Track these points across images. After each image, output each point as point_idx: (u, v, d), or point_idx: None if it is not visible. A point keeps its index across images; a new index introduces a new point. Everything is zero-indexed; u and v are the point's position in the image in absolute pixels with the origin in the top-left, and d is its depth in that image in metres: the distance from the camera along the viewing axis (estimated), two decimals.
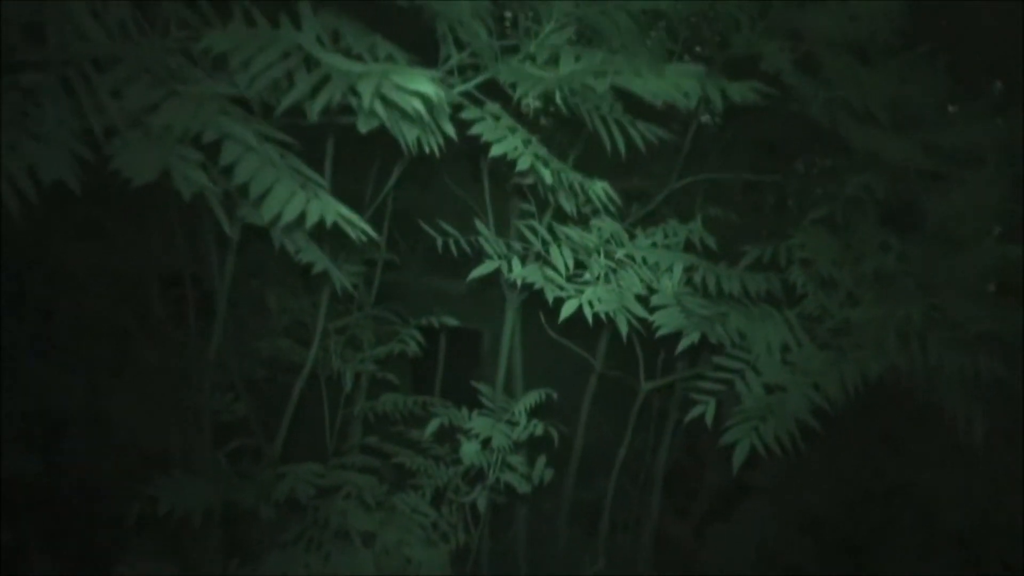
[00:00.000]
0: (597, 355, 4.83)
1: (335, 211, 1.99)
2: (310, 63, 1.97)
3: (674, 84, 2.66)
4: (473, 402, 4.05)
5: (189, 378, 4.42)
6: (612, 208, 3.01)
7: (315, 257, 2.63)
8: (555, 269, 3.44)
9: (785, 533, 5.87)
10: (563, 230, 3.47)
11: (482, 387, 4.11)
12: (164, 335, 4.58)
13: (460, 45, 2.81)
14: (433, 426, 3.70)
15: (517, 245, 3.64)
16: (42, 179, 1.99)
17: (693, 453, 6.09)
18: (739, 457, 3.26)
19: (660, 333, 3.26)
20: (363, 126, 2.26)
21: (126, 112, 1.94)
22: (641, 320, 3.41)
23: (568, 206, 3.48)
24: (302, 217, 2.09)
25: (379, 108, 1.92)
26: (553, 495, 4.74)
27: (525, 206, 3.73)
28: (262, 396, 4.35)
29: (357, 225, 2.04)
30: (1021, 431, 4.12)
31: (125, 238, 4.55)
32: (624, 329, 3.25)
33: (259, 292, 4.33)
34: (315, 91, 1.95)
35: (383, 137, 3.83)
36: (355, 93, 1.92)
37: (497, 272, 3.53)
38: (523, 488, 3.60)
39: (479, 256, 3.75)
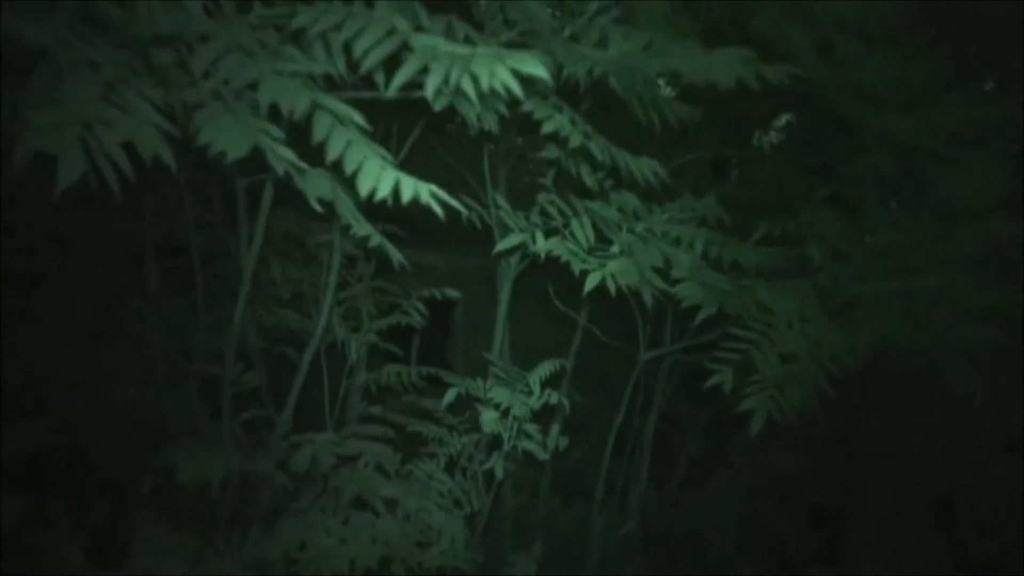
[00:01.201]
0: (580, 326, 4.96)
1: (427, 189, 2.08)
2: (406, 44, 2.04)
3: (722, 66, 2.78)
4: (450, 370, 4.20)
5: (193, 348, 4.44)
6: (657, 185, 3.13)
7: (368, 231, 2.70)
8: (577, 242, 3.55)
9: (761, 500, 6.09)
10: (585, 204, 3.58)
11: (492, 358, 4.22)
12: (164, 305, 4.60)
13: (509, 23, 2.89)
14: (450, 396, 3.80)
15: (537, 218, 3.74)
16: (142, 155, 2.03)
17: (673, 421, 6.28)
18: (756, 424, 3.43)
19: (684, 305, 3.40)
20: (439, 104, 2.34)
21: (230, 87, 1.99)
22: (636, 292, 3.55)
23: (590, 181, 3.59)
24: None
25: (470, 88, 2.00)
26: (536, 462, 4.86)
27: (543, 180, 3.82)
28: (265, 366, 4.40)
29: (446, 202, 2.13)
30: (1008, 396, 4.35)
31: (128, 208, 4.55)
32: (649, 301, 3.38)
33: (265, 263, 4.37)
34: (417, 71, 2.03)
35: (386, 111, 3.91)
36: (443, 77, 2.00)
37: (476, 243, 3.60)
38: (541, 456, 3.73)
39: (464, 228, 3.84)
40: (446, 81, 1.99)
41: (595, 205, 3.53)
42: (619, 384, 5.26)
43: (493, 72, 1.88)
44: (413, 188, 2.08)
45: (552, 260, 3.62)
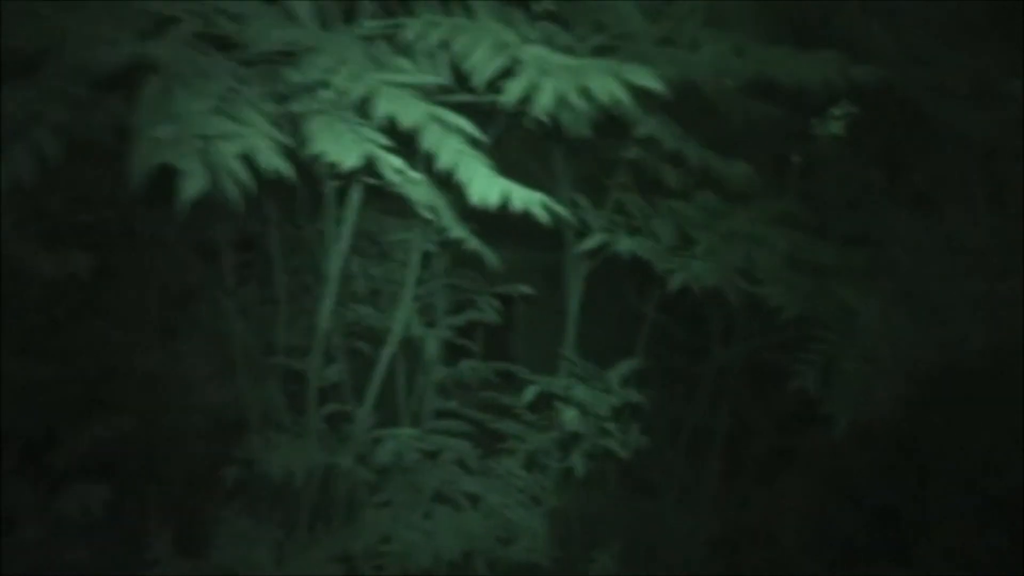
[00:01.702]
0: (646, 323, 4.96)
1: (538, 199, 2.13)
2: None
3: (811, 69, 2.80)
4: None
5: (273, 343, 4.52)
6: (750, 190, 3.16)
7: (464, 234, 2.76)
8: (659, 242, 3.59)
9: (829, 498, 6.05)
10: (667, 204, 3.61)
11: (566, 354, 4.27)
12: (241, 299, 4.69)
13: (599, 27, 2.91)
14: (531, 393, 3.86)
15: (614, 216, 3.77)
16: (259, 167, 2.10)
17: (740, 418, 6.26)
18: (839, 427, 3.45)
19: (770, 306, 3.42)
20: (539, 112, 2.37)
21: (345, 99, 2.06)
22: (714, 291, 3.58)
23: (672, 180, 3.61)
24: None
25: (580, 101, 2.05)
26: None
27: (620, 179, 3.85)
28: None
29: (555, 211, 2.18)
30: None
31: (201, 203, 4.63)
32: (733, 301, 3.41)
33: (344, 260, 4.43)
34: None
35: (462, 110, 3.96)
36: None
37: (534, 238, 3.62)
38: (622, 454, 3.78)
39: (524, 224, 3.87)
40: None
41: (678, 204, 3.55)
42: (683, 381, 5.29)
43: (606, 86, 1.92)
44: (524, 198, 2.13)
45: (617, 256, 3.67)
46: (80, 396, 4.94)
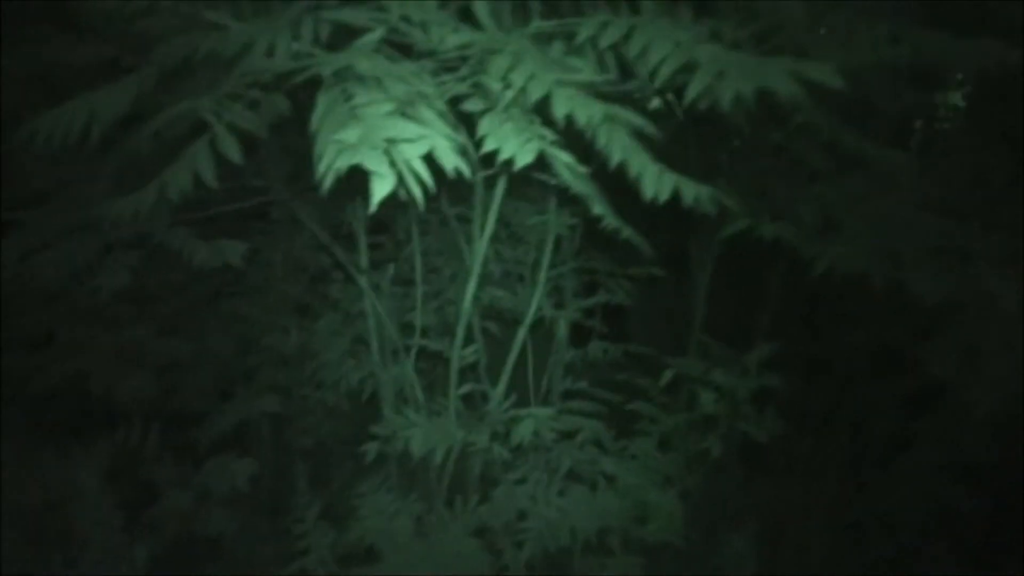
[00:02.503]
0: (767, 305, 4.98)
1: (708, 193, 2.21)
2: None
3: (967, 55, 2.81)
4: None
5: (404, 322, 4.68)
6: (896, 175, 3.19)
7: (618, 224, 2.85)
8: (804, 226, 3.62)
9: (950, 485, 5.99)
10: (812, 188, 3.64)
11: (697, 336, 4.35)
12: (375, 281, 4.85)
13: (752, 15, 2.95)
14: (667, 376, 3.95)
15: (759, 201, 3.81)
16: (442, 167, 2.21)
17: (865, 404, 6.23)
18: (979, 413, 3.46)
19: (914, 291, 3.44)
20: (701, 105, 2.44)
21: (526, 99, 2.16)
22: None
23: (817, 163, 3.65)
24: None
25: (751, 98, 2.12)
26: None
27: (764, 162, 3.90)
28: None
29: (719, 201, 2.26)
30: None
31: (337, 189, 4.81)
32: (880, 286, 3.44)
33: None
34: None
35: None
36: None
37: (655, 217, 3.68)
38: (760, 438, 3.84)
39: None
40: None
41: (823, 188, 3.59)
42: (810, 364, 5.31)
43: (786, 85, 1.99)
44: (694, 192, 2.21)
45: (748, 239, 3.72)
46: (222, 373, 5.19)
